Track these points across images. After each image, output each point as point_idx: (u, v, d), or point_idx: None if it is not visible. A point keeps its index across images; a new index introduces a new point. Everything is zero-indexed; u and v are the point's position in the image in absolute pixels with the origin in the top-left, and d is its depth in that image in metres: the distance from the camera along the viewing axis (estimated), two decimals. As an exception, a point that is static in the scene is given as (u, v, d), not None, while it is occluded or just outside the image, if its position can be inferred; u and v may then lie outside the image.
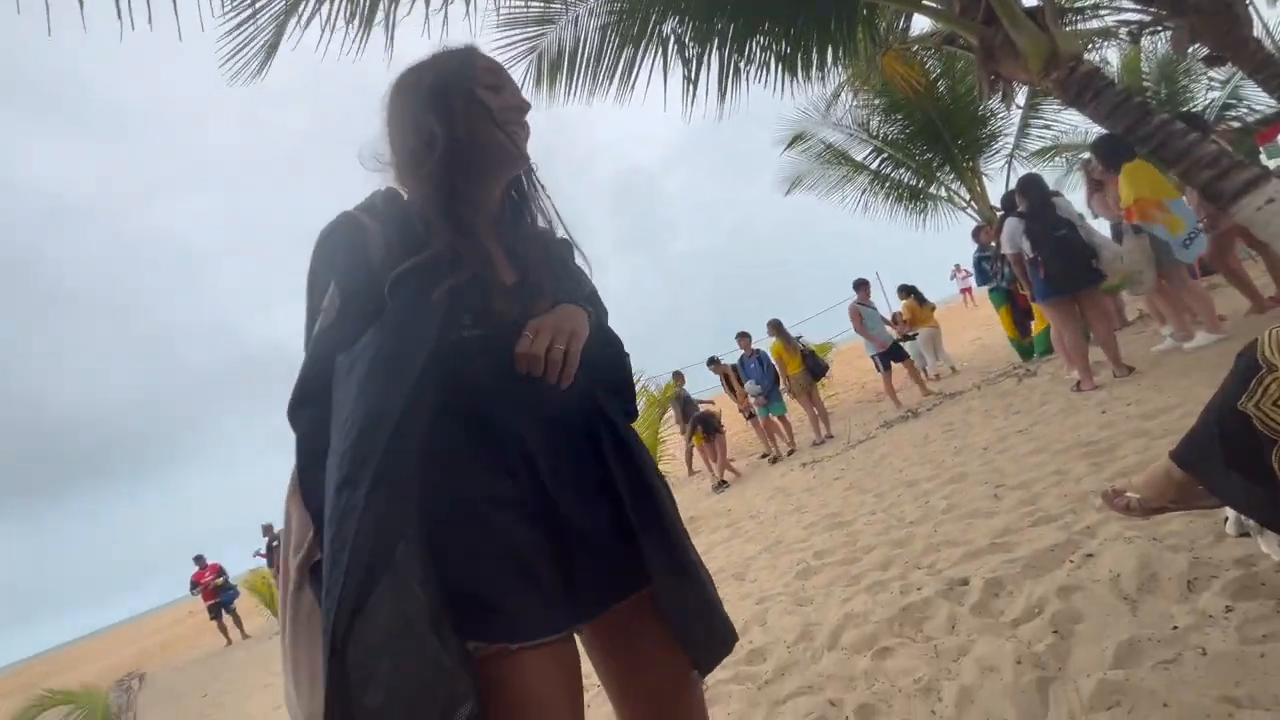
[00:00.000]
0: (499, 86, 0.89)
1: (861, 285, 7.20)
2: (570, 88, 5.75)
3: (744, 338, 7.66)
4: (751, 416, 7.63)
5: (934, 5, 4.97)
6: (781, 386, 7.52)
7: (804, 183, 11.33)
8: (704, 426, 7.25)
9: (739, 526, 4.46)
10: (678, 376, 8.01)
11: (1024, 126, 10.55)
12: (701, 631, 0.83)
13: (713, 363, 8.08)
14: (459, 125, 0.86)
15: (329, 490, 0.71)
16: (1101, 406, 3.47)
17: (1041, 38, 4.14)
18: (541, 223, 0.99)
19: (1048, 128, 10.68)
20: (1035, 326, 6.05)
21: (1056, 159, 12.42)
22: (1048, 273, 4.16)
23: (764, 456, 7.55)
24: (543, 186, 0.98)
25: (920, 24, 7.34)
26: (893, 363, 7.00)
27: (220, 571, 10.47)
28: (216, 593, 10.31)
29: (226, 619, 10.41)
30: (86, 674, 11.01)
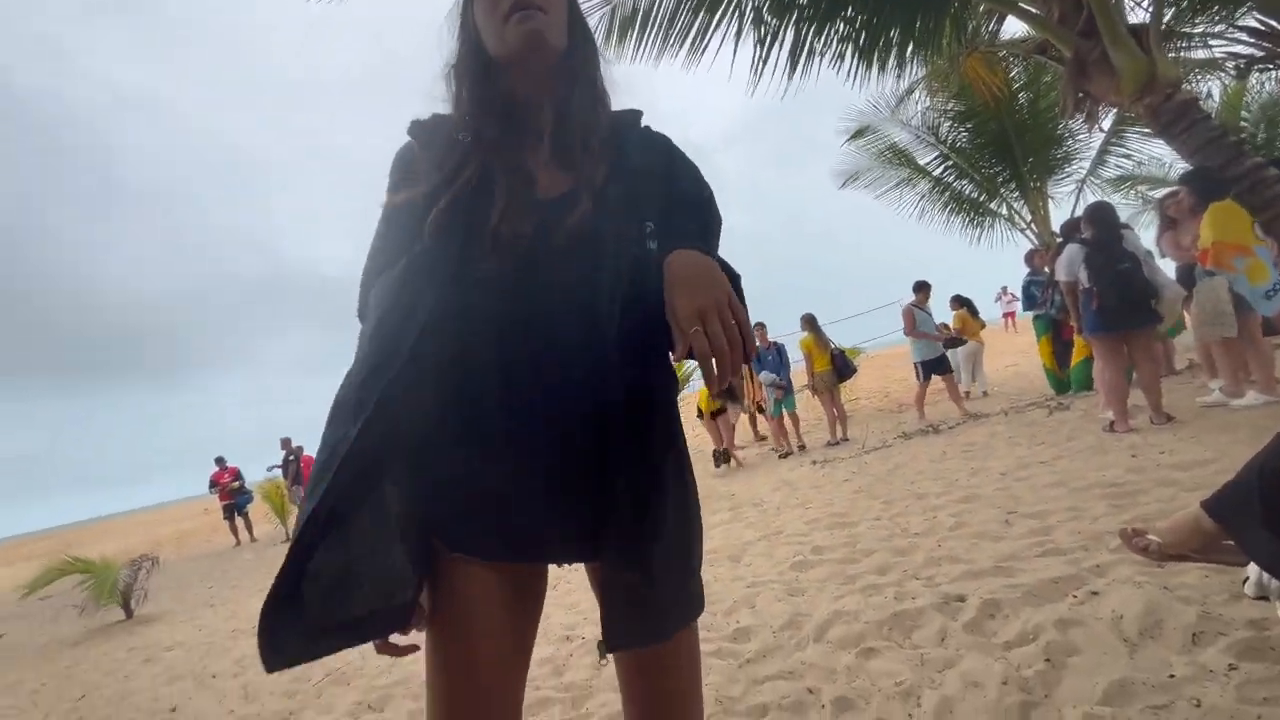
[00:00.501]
0: None
1: (922, 288, 6.96)
2: (640, 47, 5.65)
3: (760, 328, 7.53)
4: (761, 411, 7.54)
5: (1031, 9, 4.72)
6: (804, 382, 7.41)
7: (861, 179, 11.05)
8: (728, 396, 7.16)
9: (740, 511, 4.48)
10: None
11: (1102, 152, 10.08)
12: (623, 609, 0.77)
13: None
14: (468, 41, 0.85)
15: (330, 414, 0.75)
16: (1133, 450, 3.38)
17: (1141, 59, 3.92)
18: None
19: (1128, 157, 10.19)
20: (1073, 358, 5.84)
21: (1131, 192, 11.87)
22: (1101, 305, 3.99)
23: (774, 449, 7.53)
24: (594, 77, 0.87)
25: (1012, 29, 6.99)
26: (934, 375, 6.84)
27: (238, 475, 10.94)
28: (232, 495, 10.80)
29: (238, 521, 10.91)
30: (108, 548, 11.69)
